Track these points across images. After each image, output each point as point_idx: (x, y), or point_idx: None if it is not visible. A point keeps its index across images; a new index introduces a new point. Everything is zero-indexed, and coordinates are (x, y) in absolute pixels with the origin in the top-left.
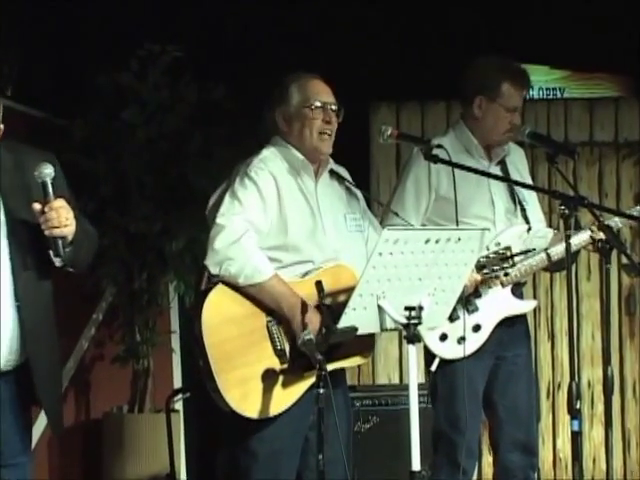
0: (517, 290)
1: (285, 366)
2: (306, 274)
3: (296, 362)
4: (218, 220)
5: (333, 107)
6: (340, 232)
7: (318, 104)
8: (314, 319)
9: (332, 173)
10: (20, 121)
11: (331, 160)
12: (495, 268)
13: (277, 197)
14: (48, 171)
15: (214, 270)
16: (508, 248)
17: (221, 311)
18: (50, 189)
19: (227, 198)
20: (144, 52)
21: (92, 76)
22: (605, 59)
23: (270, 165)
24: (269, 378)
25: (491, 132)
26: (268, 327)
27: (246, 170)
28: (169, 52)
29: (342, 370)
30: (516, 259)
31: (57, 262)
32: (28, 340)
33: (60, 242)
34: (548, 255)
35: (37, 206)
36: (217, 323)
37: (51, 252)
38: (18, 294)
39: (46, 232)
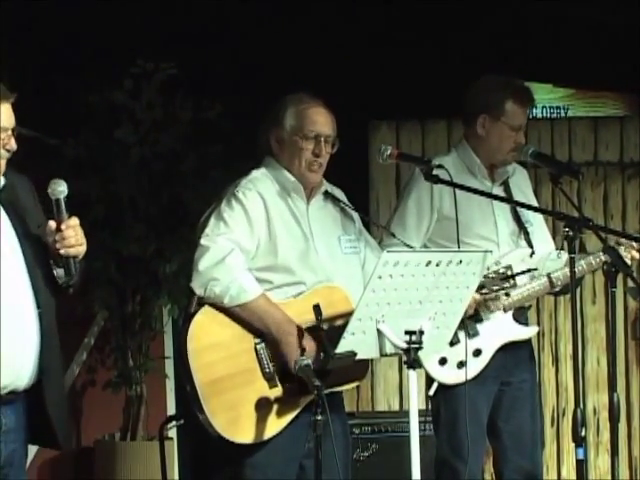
0: (521, 315)
1: (274, 390)
2: (297, 296)
3: (286, 385)
4: (202, 241)
5: (327, 138)
6: (334, 254)
7: (311, 135)
8: (310, 344)
9: (326, 194)
10: None
11: (325, 182)
12: (495, 288)
13: (265, 218)
14: (61, 188)
15: (199, 292)
16: (509, 267)
17: (208, 334)
18: (64, 207)
19: (212, 219)
20: (138, 69)
21: (84, 94)
22: (610, 77)
23: (259, 185)
24: (258, 402)
25: (496, 151)
26: (256, 349)
27: (234, 191)
28: (163, 69)
29: (339, 395)
30: (519, 283)
31: (61, 281)
32: (44, 350)
33: (72, 261)
34: (550, 279)
35: (52, 224)
36: (203, 346)
37: (56, 271)
38: (40, 304)
39: (61, 251)
